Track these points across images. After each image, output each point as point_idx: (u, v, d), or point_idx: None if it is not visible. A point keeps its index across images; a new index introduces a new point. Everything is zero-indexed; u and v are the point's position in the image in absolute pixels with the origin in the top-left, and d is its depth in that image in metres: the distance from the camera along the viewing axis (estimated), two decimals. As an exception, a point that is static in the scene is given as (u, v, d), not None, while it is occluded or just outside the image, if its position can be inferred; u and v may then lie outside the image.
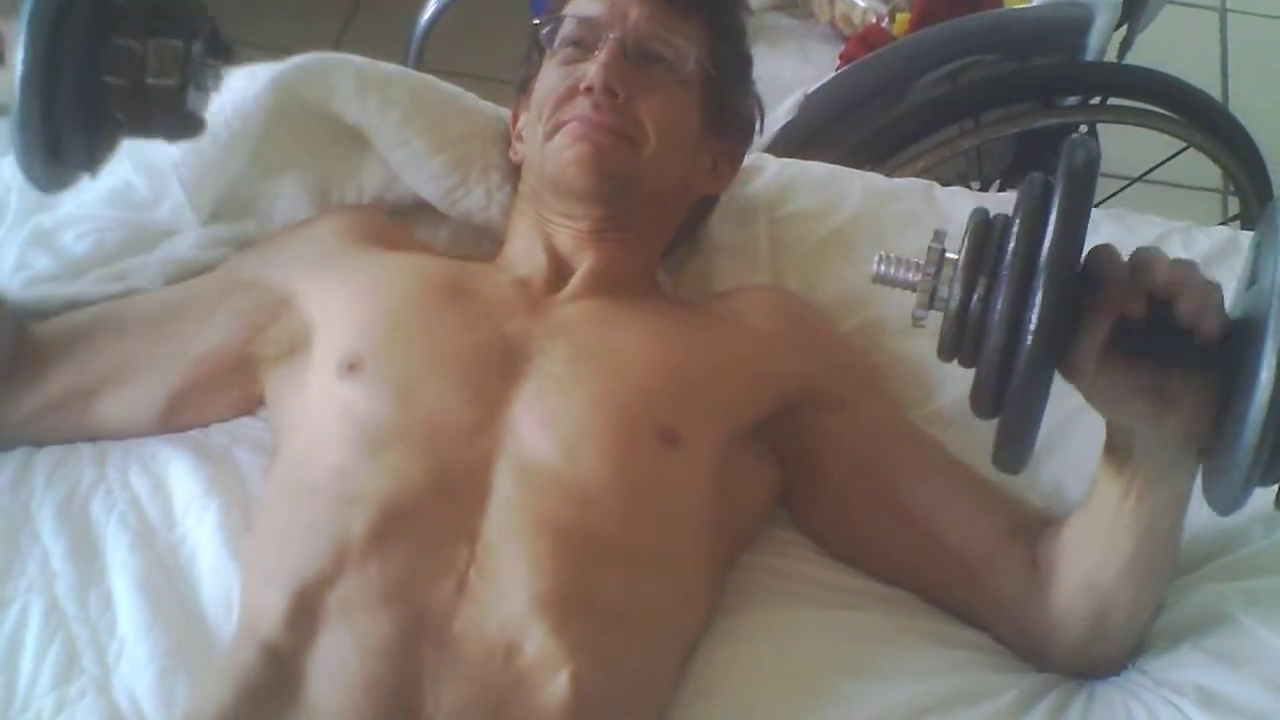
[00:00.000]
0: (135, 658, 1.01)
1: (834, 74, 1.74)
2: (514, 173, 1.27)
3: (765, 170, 1.40)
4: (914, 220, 1.34)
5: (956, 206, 1.33)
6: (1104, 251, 0.84)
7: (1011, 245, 0.81)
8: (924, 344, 1.23)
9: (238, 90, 1.26)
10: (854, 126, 1.70)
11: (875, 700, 1.02)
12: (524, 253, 1.19)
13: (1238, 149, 1.84)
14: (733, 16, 1.27)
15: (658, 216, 1.22)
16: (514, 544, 0.96)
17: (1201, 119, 1.81)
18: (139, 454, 1.15)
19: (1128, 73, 1.87)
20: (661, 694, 1.00)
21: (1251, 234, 1.31)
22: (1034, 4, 1.81)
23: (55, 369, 1.14)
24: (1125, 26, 1.86)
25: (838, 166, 1.43)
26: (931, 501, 1.10)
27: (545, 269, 1.17)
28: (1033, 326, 0.80)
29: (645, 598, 0.99)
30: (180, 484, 1.12)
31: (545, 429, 1.02)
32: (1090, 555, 1.00)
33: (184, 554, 1.08)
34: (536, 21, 1.25)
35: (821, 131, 1.69)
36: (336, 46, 2.61)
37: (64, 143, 0.88)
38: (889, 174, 1.62)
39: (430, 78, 1.34)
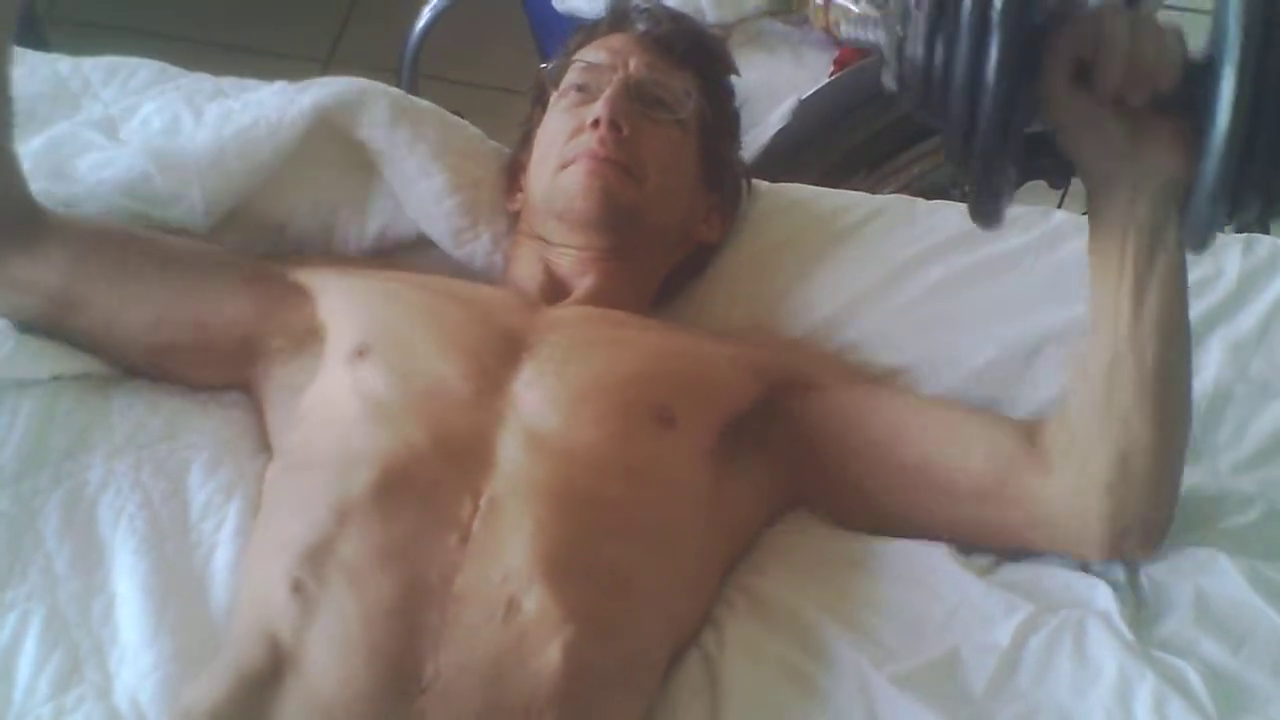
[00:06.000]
0: (138, 665, 1.00)
1: (828, 80, 1.74)
2: (512, 220, 1.33)
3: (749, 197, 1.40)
4: (897, 238, 1.35)
5: (939, 220, 1.33)
6: None
7: None
8: (907, 359, 1.25)
9: (272, 108, 1.29)
10: (848, 132, 1.70)
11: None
12: (524, 275, 1.26)
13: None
14: (723, 74, 1.36)
15: (656, 251, 1.28)
16: (518, 503, 0.98)
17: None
18: (153, 452, 1.13)
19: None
20: (649, 681, 1.01)
21: (1242, 235, 1.32)
22: (1027, 9, 1.81)
23: (59, 258, 1.14)
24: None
25: (817, 188, 1.43)
26: (933, 443, 1.12)
27: (544, 287, 1.23)
28: (992, 69, 0.83)
29: (642, 574, 1.01)
30: (199, 488, 1.11)
31: (546, 403, 1.05)
32: (1101, 378, 0.99)
33: (197, 560, 1.07)
34: (543, 66, 1.34)
35: (815, 137, 1.69)
36: (331, 54, 2.65)
37: None
38: (883, 180, 1.63)
39: (458, 119, 1.39)
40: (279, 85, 1.35)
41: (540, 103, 1.33)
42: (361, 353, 1.09)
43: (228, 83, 1.40)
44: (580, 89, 1.27)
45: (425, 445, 1.02)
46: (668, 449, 1.07)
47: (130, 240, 1.19)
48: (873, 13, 1.83)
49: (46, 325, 1.16)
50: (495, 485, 0.99)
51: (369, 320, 1.13)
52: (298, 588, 0.94)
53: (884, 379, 1.24)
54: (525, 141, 1.33)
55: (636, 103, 1.24)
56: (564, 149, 1.24)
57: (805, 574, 1.12)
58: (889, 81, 0.89)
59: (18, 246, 1.14)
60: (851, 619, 1.07)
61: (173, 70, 1.42)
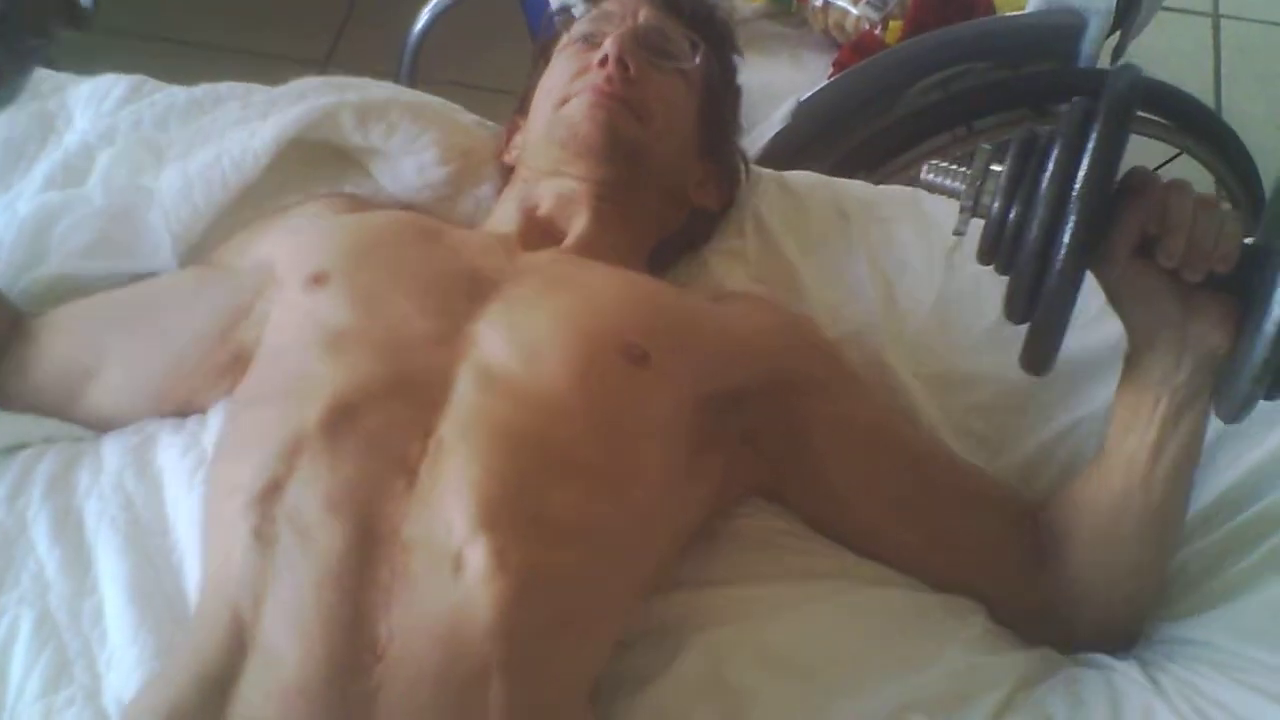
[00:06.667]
0: (123, 663, 1.00)
1: (826, 82, 1.74)
2: (504, 175, 1.31)
3: (752, 180, 1.39)
4: (901, 227, 1.34)
5: (943, 210, 1.32)
6: (1142, 170, 0.92)
7: (1049, 169, 0.87)
8: (905, 356, 1.24)
9: (235, 142, 1.27)
10: (846, 134, 1.70)
11: (857, 696, 1.01)
12: (505, 215, 1.23)
13: (1230, 155, 1.85)
14: (727, 45, 1.35)
15: (651, 202, 1.25)
16: (468, 444, 0.94)
17: (1194, 125, 1.82)
18: (137, 458, 1.13)
19: (1120, 79, 1.87)
20: (603, 634, 0.98)
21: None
22: (1026, 11, 1.81)
23: (41, 360, 1.16)
24: (1118, 33, 1.86)
25: (824, 175, 1.43)
26: (929, 496, 1.11)
27: (523, 229, 1.19)
28: (1064, 244, 0.86)
29: (598, 519, 0.96)
30: (174, 486, 1.11)
31: (508, 341, 1.02)
32: (1108, 505, 1.01)
33: (175, 557, 1.07)
34: (553, 11, 1.34)
35: (814, 139, 1.69)
36: (329, 57, 2.64)
37: None
38: (881, 182, 1.62)
39: (421, 94, 1.38)
40: (239, 104, 1.34)
41: (544, 57, 1.32)
42: (319, 279, 1.07)
43: (201, 91, 1.39)
44: (587, 38, 1.27)
45: (378, 379, 0.98)
46: (638, 388, 1.02)
47: (97, 307, 1.19)
48: (873, 15, 1.84)
49: (57, 416, 1.16)
50: (446, 425, 0.95)
51: (326, 248, 1.11)
52: (258, 534, 0.91)
53: (888, 394, 1.22)
54: (526, 97, 1.31)
55: (643, 49, 1.23)
56: (569, 87, 1.22)
57: (824, 576, 1.10)
58: (960, 228, 0.93)
59: (10, 364, 1.15)
60: (871, 625, 1.07)
61: (149, 85, 1.41)
